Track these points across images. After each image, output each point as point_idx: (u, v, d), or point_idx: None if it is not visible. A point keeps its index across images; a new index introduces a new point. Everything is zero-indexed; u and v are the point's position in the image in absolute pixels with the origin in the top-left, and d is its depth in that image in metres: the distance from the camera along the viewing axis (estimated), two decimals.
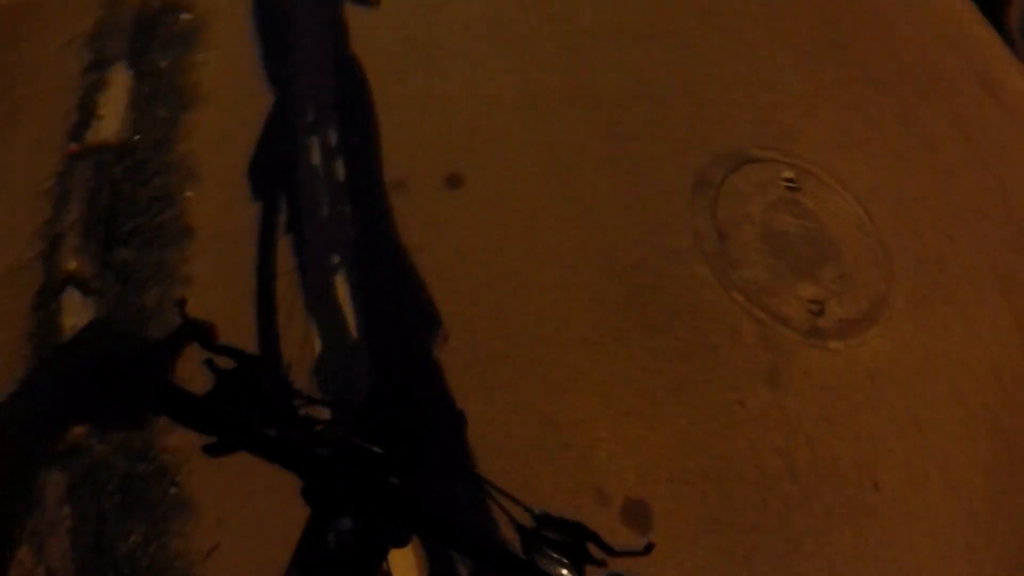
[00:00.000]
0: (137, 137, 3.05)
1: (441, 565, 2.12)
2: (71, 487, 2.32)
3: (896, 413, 2.60)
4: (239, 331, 2.55)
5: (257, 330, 2.59)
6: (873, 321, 2.73)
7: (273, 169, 2.87)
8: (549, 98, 3.18)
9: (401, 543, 0.87)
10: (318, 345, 2.51)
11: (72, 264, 2.66)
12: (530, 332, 2.55)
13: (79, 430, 2.41)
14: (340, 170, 2.89)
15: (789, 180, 3.01)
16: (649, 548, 0.94)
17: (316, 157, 2.94)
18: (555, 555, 0.93)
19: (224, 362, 0.98)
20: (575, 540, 0.95)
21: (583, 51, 3.41)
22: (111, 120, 3.02)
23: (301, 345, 2.56)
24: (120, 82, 3.18)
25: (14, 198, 2.87)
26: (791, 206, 2.96)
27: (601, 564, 0.94)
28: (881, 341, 2.72)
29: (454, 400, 2.39)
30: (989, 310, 2.90)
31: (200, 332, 1.02)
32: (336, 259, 2.65)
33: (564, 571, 0.93)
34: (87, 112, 3.09)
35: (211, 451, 0.89)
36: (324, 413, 1.06)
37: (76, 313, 2.61)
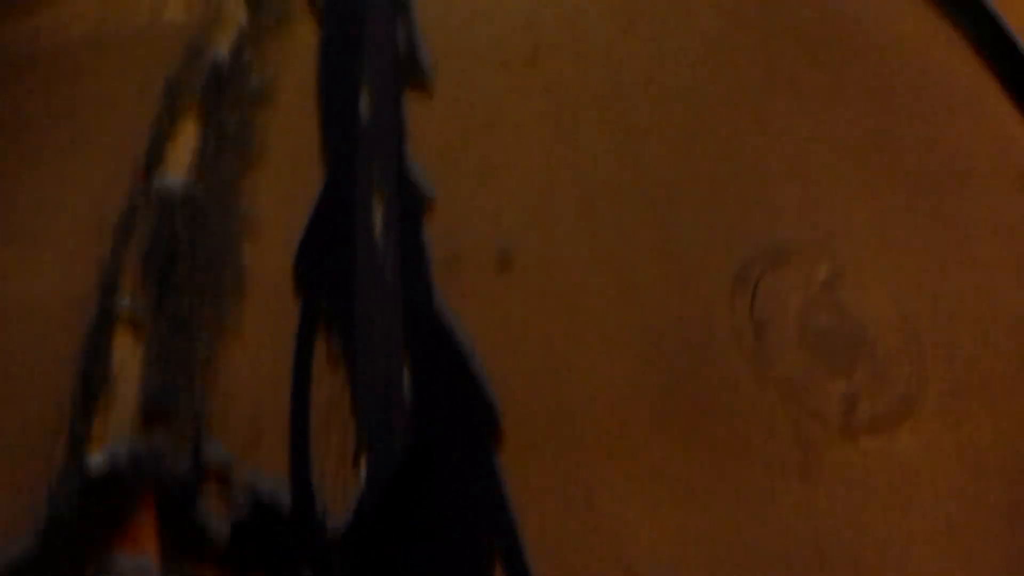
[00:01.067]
0: (201, 188, 3.16)
1: None
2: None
3: (926, 511, 2.56)
4: (285, 393, 2.62)
5: (299, 398, 2.64)
6: (905, 418, 2.71)
7: (329, 235, 2.95)
8: (601, 188, 3.25)
9: None
10: (358, 416, 2.55)
11: (127, 303, 2.72)
12: (570, 415, 2.56)
13: None
14: (394, 242, 2.95)
15: (825, 277, 3.04)
16: None
17: (372, 227, 3.01)
18: None
19: (245, 499, 1.00)
20: None
21: (636, 145, 3.51)
22: (178, 168, 3.13)
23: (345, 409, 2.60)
24: (190, 132, 3.31)
25: (75, 232, 2.96)
26: (827, 303, 2.97)
27: None
28: (913, 438, 2.69)
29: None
30: (1019, 409, 2.89)
31: (219, 473, 1.04)
32: (385, 327, 2.70)
33: None
34: (155, 157, 3.21)
35: None
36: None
37: (126, 351, 2.67)
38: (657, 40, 4.79)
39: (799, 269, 3.10)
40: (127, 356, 2.63)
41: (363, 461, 2.40)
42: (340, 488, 2.38)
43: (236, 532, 0.90)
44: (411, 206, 3.07)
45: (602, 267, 2.94)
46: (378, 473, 2.27)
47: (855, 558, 2.45)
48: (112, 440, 2.49)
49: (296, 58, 4.00)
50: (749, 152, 3.71)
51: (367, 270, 2.77)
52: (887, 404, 2.75)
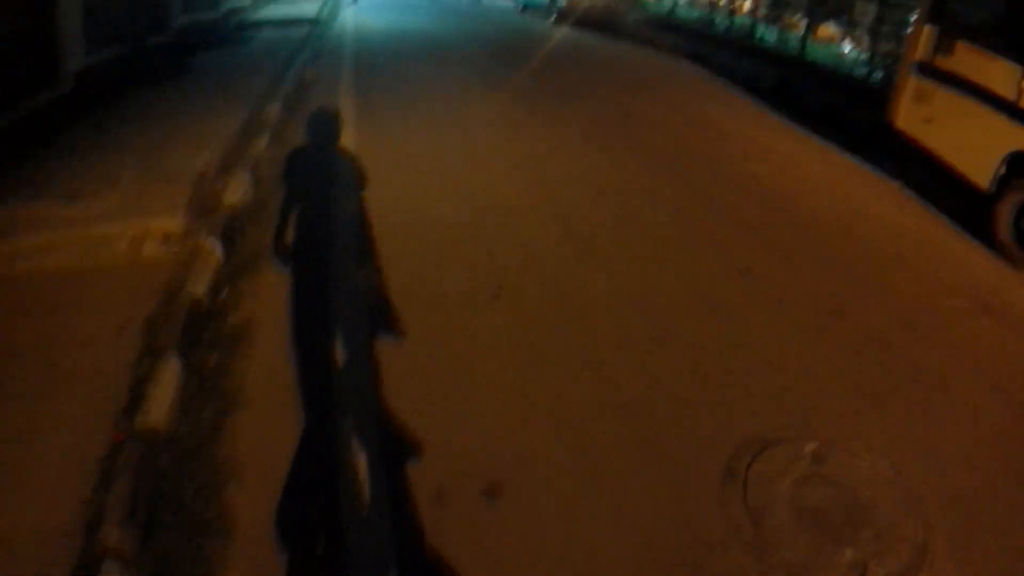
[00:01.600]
0: (183, 430, 3.16)
1: None
2: None
3: None
4: None
5: None
6: (917, 571, 2.65)
7: (312, 474, 2.97)
8: (577, 407, 3.43)
9: None
10: None
11: (112, 541, 2.61)
12: None
13: None
14: (379, 479, 2.98)
15: (812, 454, 3.13)
16: None
17: (355, 466, 3.05)
18: None
19: None
20: None
21: (604, 362, 3.76)
22: (159, 411, 3.15)
23: None
24: (169, 375, 3.37)
25: (58, 465, 2.92)
26: (819, 479, 3.05)
27: None
28: None
29: None
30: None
31: None
32: (376, 568, 2.61)
33: None
34: (137, 397, 3.24)
35: None
36: None
37: None
38: (614, 251, 5.24)
39: (785, 453, 3.21)
40: None
41: None
42: None
43: None
44: (395, 443, 3.14)
45: (589, 486, 2.99)
46: None
47: None
48: None
49: (270, 300, 4.23)
50: (713, 348, 3.98)
51: (354, 513, 2.73)
52: (898, 560, 2.72)
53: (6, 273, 4.29)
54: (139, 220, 4.77)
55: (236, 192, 5.59)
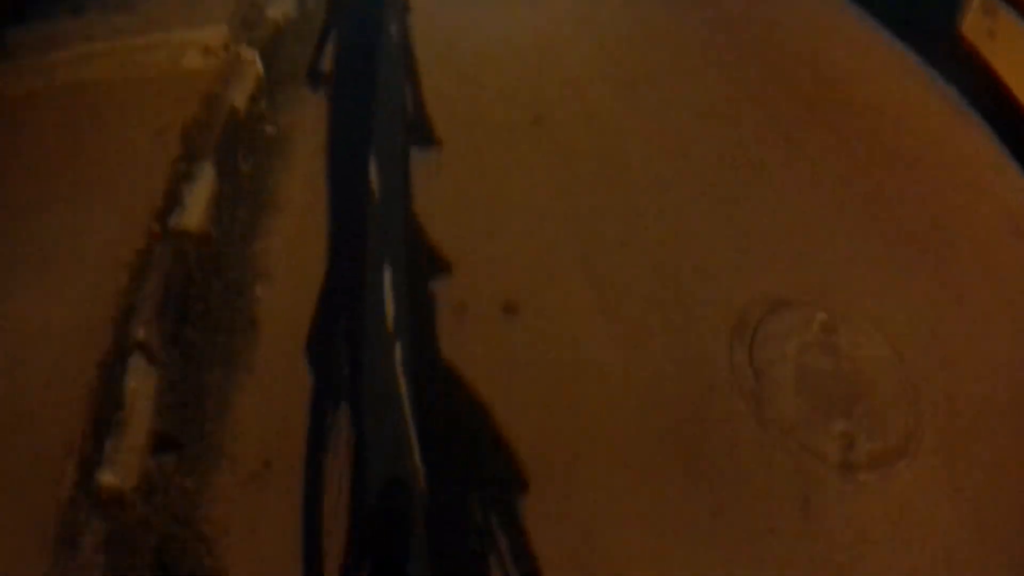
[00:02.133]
0: (215, 231, 3.27)
1: None
2: (108, 538, 2.36)
3: (925, 547, 2.58)
4: (294, 427, 2.67)
5: (310, 426, 2.69)
6: (902, 456, 2.75)
7: (341, 277, 3.07)
8: (602, 241, 3.41)
9: None
10: (366, 447, 2.59)
11: (141, 333, 2.78)
12: (574, 450, 2.63)
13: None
14: (404, 286, 3.08)
15: (823, 323, 3.12)
16: None
17: (382, 272, 3.15)
18: None
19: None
20: None
21: (635, 200, 3.69)
22: (194, 211, 3.24)
23: (349, 450, 2.63)
24: (205, 178, 3.43)
25: (95, 263, 3.08)
26: (825, 347, 3.07)
27: None
28: (911, 475, 2.73)
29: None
30: (1015, 449, 2.90)
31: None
32: (393, 369, 2.75)
33: None
34: (173, 199, 3.33)
35: None
36: None
37: (139, 378, 2.72)
38: (657, 99, 4.99)
39: (796, 316, 3.21)
40: (140, 384, 2.67)
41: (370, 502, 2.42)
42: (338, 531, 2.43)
43: None
44: (421, 256, 3.21)
45: (604, 316, 3.05)
46: (388, 530, 2.27)
47: None
48: (123, 462, 2.52)
49: (309, 113, 4.20)
50: (747, 206, 3.87)
51: (377, 317, 2.84)
52: (885, 442, 2.79)
53: (48, 84, 4.27)
54: (180, 32, 4.64)
55: (280, 6, 5.39)
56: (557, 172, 3.84)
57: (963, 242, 3.95)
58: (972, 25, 6.38)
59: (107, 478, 2.48)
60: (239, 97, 4.10)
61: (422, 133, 4.01)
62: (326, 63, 4.84)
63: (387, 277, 3.09)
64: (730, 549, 2.50)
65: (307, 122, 4.02)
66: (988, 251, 3.98)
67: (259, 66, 4.49)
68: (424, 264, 3.17)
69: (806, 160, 4.41)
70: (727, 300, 3.18)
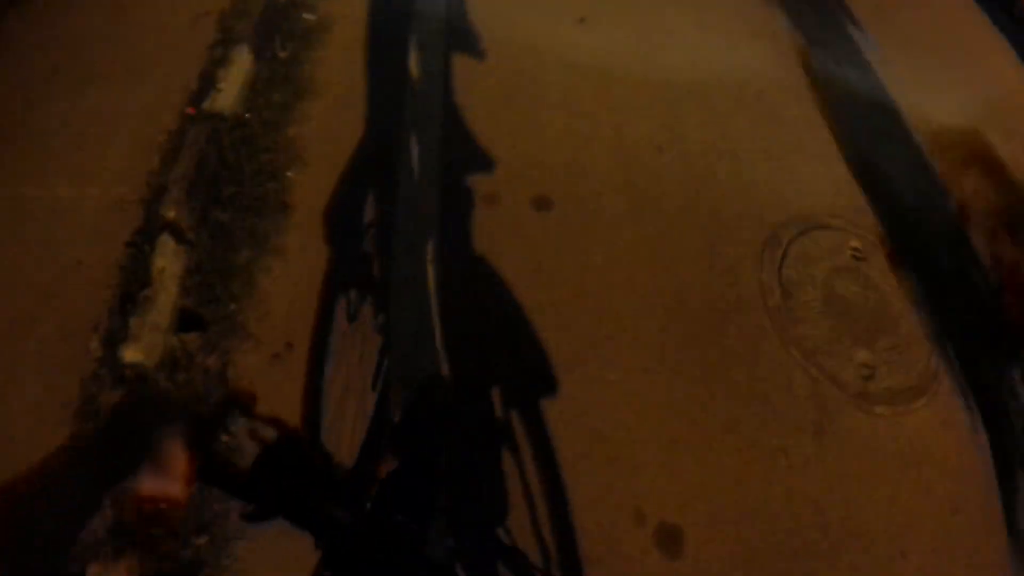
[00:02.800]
0: (249, 115, 3.22)
1: None
2: (130, 410, 2.41)
3: (932, 487, 2.58)
4: (317, 308, 2.67)
5: (339, 311, 2.71)
6: (921, 394, 2.73)
7: (374, 164, 3.01)
8: (640, 143, 3.31)
9: None
10: (390, 334, 2.61)
11: (171, 213, 2.79)
12: (596, 351, 2.62)
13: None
14: (436, 175, 3.02)
15: (856, 250, 3.06)
16: None
17: (416, 161, 3.07)
18: None
19: (267, 432, 0.99)
20: None
21: (676, 106, 3.56)
22: (228, 94, 3.20)
23: (373, 334, 2.65)
24: (241, 62, 3.37)
25: (128, 142, 3.04)
26: (855, 275, 3.00)
27: None
28: (926, 414, 2.71)
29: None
30: None
31: (242, 403, 1.05)
32: (421, 256, 2.75)
33: None
34: (208, 82, 3.28)
35: (250, 518, 0.91)
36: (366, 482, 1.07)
37: (168, 257, 2.74)
38: (702, 6, 4.82)
39: (830, 240, 3.13)
40: (168, 263, 2.70)
41: (391, 391, 2.45)
42: (358, 417, 2.45)
43: (257, 464, 0.90)
44: (456, 144, 3.12)
45: (636, 218, 2.99)
46: (406, 406, 2.30)
47: (855, 523, 2.48)
48: (147, 339, 2.56)
49: (350, 1, 4.04)
50: (788, 125, 3.72)
51: (408, 203, 2.82)
52: (905, 378, 2.77)
53: None
54: None
55: None
56: (599, 72, 3.70)
57: None
58: None
59: (131, 354, 2.53)
60: None
61: (464, 31, 3.87)
62: None
63: (420, 164, 3.06)
64: (740, 464, 2.52)
65: (348, 11, 3.91)
66: None
67: None
68: (459, 154, 3.12)
69: None
70: (761, 217, 3.11)
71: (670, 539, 2.32)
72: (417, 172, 3.00)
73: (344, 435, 2.40)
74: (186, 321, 2.64)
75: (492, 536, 2.13)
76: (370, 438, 2.34)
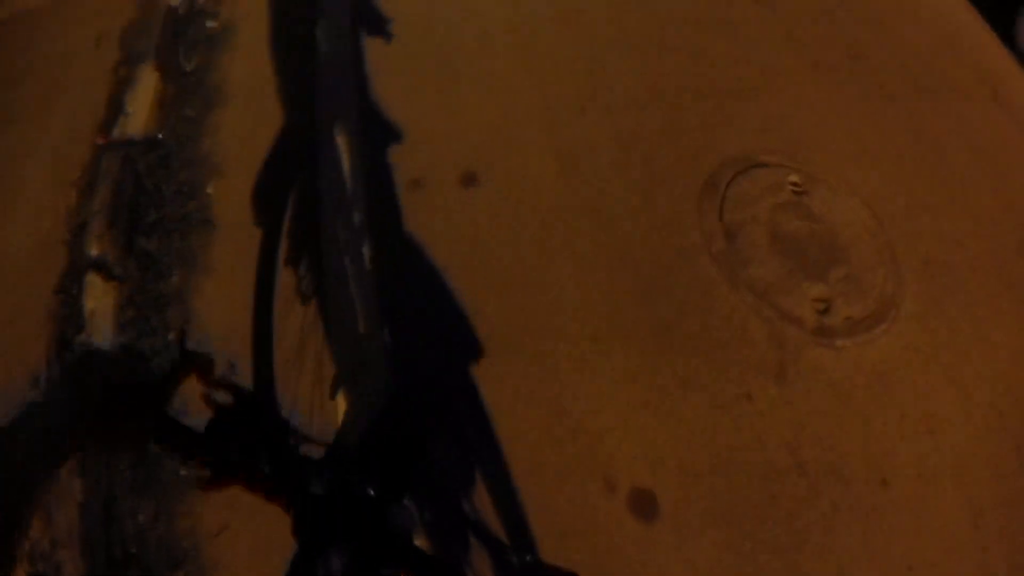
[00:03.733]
0: (162, 134, 3.12)
1: None
2: (83, 461, 2.34)
3: (905, 412, 2.58)
4: (257, 315, 2.61)
5: (272, 320, 2.64)
6: (880, 321, 2.72)
7: (292, 164, 2.93)
8: (564, 104, 3.22)
9: None
10: (331, 333, 2.55)
11: (95, 250, 2.71)
12: (541, 324, 2.57)
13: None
14: (358, 166, 2.93)
15: (796, 184, 3.02)
16: None
17: (335, 153, 2.98)
18: None
19: (223, 396, 0.96)
20: None
21: (599, 60, 3.46)
22: (138, 116, 3.09)
23: (312, 333, 2.61)
24: (147, 80, 3.26)
25: (42, 185, 2.94)
26: (799, 209, 2.96)
27: None
28: (889, 341, 2.71)
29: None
30: (997, 314, 2.89)
31: (199, 365, 1.01)
32: (352, 251, 2.70)
33: None
34: (115, 107, 3.17)
35: (205, 484, 0.88)
36: (320, 450, 1.05)
37: (97, 297, 2.67)
38: None
39: (769, 177, 3.08)
40: (99, 301, 2.62)
41: (341, 392, 2.41)
42: (316, 411, 2.39)
43: (212, 429, 0.87)
44: (374, 132, 3.04)
45: (569, 180, 2.91)
46: (359, 406, 2.27)
47: (831, 460, 2.47)
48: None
49: (252, 2, 3.93)
50: (717, 64, 3.65)
51: (332, 198, 2.76)
52: (863, 307, 2.75)
53: None
54: None
55: None
56: (515, 31, 3.59)
57: (942, 104, 3.80)
58: None
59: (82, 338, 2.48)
60: None
61: (371, 9, 3.73)
62: None
63: (342, 147, 3.00)
64: (705, 417, 2.51)
65: (251, 11, 3.81)
66: (966, 113, 3.80)
67: None
68: (379, 140, 3.03)
69: (779, 17, 4.23)
70: (695, 162, 3.04)
71: (644, 503, 2.30)
72: (338, 165, 2.93)
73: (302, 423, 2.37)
74: (127, 358, 2.58)
75: (459, 510, 2.11)
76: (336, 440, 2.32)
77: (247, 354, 2.48)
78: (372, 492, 0.84)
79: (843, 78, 3.75)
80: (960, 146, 3.55)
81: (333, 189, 2.81)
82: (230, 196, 2.80)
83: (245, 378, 2.42)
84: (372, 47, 3.52)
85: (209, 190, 2.83)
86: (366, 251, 2.66)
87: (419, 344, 2.53)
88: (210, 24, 3.69)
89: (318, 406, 2.41)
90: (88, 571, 2.16)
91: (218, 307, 2.60)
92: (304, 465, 0.98)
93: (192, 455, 0.85)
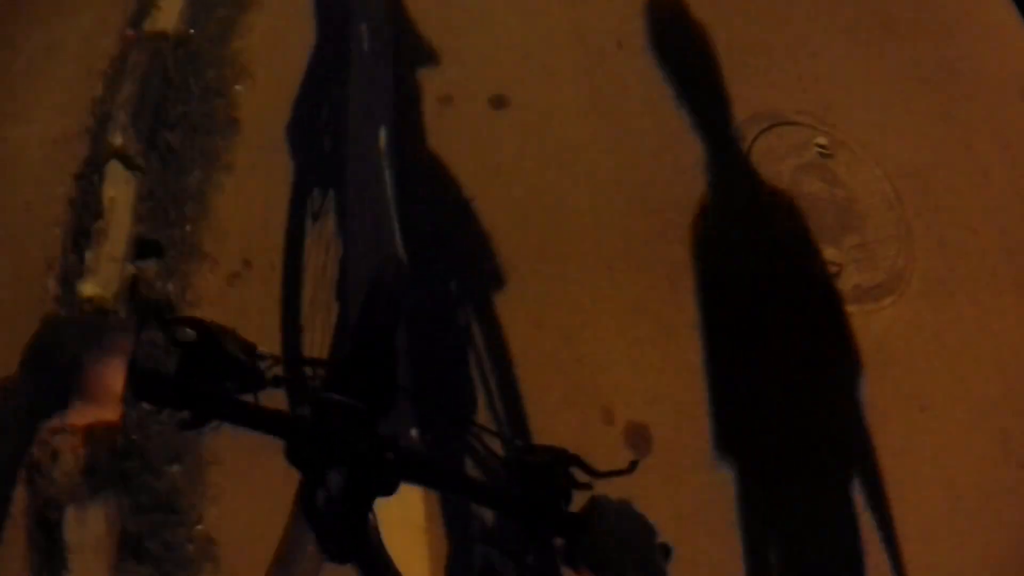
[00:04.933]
0: (193, 31, 3.09)
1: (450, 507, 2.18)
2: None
3: (900, 387, 2.61)
4: (274, 227, 2.64)
5: (288, 223, 2.65)
6: (888, 293, 2.74)
7: (323, 72, 2.91)
8: (600, 39, 3.18)
9: (389, 492, 0.86)
10: (349, 241, 2.57)
11: (119, 141, 2.69)
12: (558, 250, 2.59)
13: None
14: (388, 78, 2.91)
15: (822, 147, 3.01)
16: (633, 466, 0.95)
17: (366, 64, 2.96)
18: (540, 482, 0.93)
19: (186, 335, 0.93)
20: (559, 465, 0.94)
21: (640, 5, 3.40)
22: (169, 12, 3.04)
23: (327, 246, 2.62)
24: None
25: (69, 74, 2.91)
26: (822, 171, 2.96)
27: (587, 487, 0.93)
28: (894, 314, 2.73)
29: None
30: (1002, 306, 2.90)
31: (154, 311, 0.99)
32: (377, 161, 2.69)
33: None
34: (146, 1, 3.14)
35: (185, 425, 0.87)
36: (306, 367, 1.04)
37: (117, 186, 2.67)
38: None
39: (795, 135, 3.08)
40: (119, 191, 2.62)
41: (351, 301, 2.42)
42: (324, 331, 2.43)
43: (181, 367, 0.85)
44: (407, 48, 3.01)
45: (597, 116, 2.89)
46: (367, 321, 2.28)
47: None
48: (104, 272, 2.52)
49: None
50: (752, 24, 3.58)
51: (359, 113, 2.76)
52: (872, 277, 2.77)
53: None
54: None
55: None
56: None
57: (974, 92, 3.77)
58: None
59: (89, 288, 2.48)
60: None
61: None
62: None
63: (370, 68, 2.98)
64: (706, 360, 2.53)
65: None
66: (996, 107, 3.75)
67: None
68: (411, 54, 3.00)
69: None
70: (723, 113, 3.05)
71: (639, 437, 2.34)
72: (367, 77, 2.91)
73: (313, 343, 2.40)
74: (142, 249, 2.59)
75: (461, 428, 2.15)
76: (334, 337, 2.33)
77: (263, 255, 2.50)
78: (359, 405, 0.84)
79: (878, 51, 3.71)
80: (987, 136, 3.52)
81: (362, 99, 2.80)
82: (257, 97, 2.78)
83: (259, 280, 2.45)
84: None
85: (237, 89, 2.82)
86: (392, 161, 2.67)
87: (437, 266, 2.56)
88: None
89: (324, 323, 2.45)
90: None
91: (237, 205, 2.61)
92: (286, 385, 0.97)
93: (166, 400, 0.83)
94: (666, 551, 0.88)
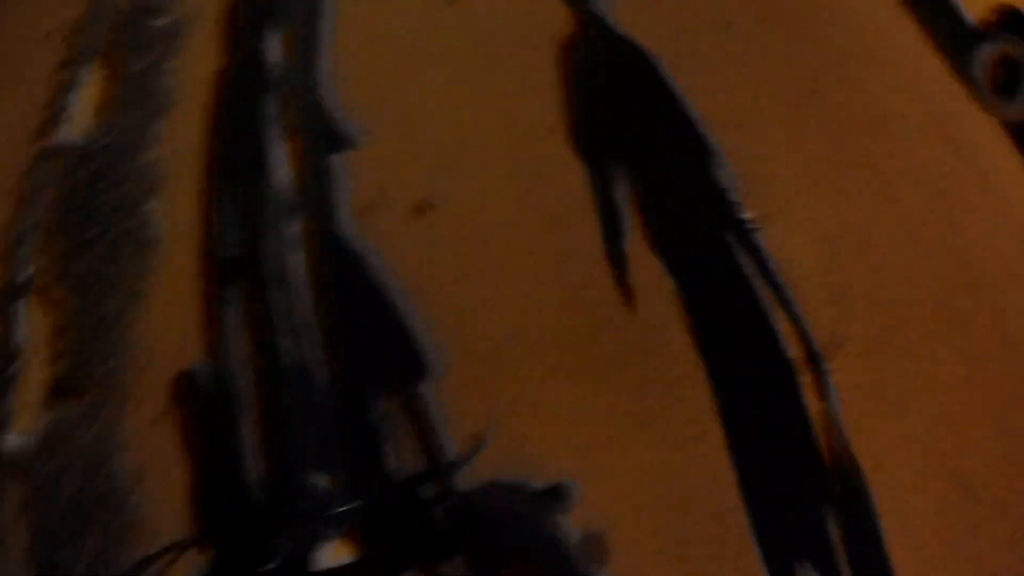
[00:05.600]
0: (105, 141, 3.02)
1: None
2: (24, 504, 2.25)
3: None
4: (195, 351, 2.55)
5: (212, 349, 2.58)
6: (828, 360, 2.78)
7: (240, 183, 2.86)
8: (528, 128, 3.16)
9: None
10: (275, 357, 2.51)
11: (29, 270, 2.60)
12: (495, 360, 2.55)
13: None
14: (307, 187, 2.86)
15: (749, 220, 3.06)
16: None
17: (282, 173, 2.91)
18: None
19: None
20: None
21: (559, 82, 3.44)
22: (80, 122, 2.96)
23: (254, 362, 2.56)
24: (92, 82, 3.13)
25: None
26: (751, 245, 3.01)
27: None
28: (835, 379, 2.77)
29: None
30: (941, 353, 2.97)
31: None
32: (298, 276, 2.64)
33: None
34: (58, 111, 3.06)
35: None
36: None
37: (32, 322, 2.55)
38: None
39: None
40: (33, 327, 2.51)
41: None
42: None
43: None
44: (323, 144, 2.98)
45: (529, 209, 2.87)
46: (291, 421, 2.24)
47: None
48: (25, 421, 2.40)
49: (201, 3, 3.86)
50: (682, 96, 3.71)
51: (275, 213, 2.71)
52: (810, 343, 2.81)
53: None
54: None
55: None
56: (477, 53, 3.59)
57: (893, 140, 3.93)
58: None
59: (12, 441, 2.37)
60: None
61: (327, 10, 3.75)
62: None
63: (287, 174, 2.94)
64: (659, 456, 2.51)
65: (202, 11, 3.72)
66: (916, 153, 3.95)
67: None
68: (328, 146, 2.98)
69: (742, 48, 4.28)
70: None
71: (597, 546, 2.32)
72: (285, 186, 2.86)
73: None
74: (62, 392, 2.48)
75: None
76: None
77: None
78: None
79: (799, 111, 3.82)
80: (911, 183, 3.64)
81: (279, 208, 2.75)
82: (172, 214, 2.71)
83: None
84: (329, 54, 3.46)
85: (151, 205, 2.75)
86: (308, 248, 2.61)
87: (357, 356, 2.51)
88: (162, 22, 3.59)
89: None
90: None
91: (158, 335, 2.53)
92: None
93: None
94: None
